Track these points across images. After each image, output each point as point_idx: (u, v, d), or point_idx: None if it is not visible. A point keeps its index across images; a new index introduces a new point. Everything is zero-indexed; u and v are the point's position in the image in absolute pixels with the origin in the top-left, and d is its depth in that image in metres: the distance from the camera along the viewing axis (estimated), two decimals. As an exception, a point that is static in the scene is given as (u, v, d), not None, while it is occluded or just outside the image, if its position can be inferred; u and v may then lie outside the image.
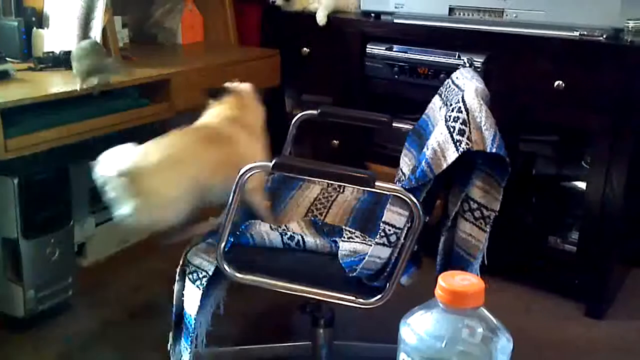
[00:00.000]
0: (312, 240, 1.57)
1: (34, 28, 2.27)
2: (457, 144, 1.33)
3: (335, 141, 2.77)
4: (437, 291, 0.86)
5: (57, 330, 2.13)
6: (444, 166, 1.35)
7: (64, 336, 2.09)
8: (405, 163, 1.79)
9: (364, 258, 1.46)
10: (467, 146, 1.32)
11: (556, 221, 2.51)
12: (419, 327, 0.87)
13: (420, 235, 1.42)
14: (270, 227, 1.63)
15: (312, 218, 1.73)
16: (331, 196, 1.91)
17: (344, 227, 1.63)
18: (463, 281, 0.87)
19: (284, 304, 2.19)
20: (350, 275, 1.49)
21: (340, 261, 1.51)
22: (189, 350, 1.63)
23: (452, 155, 1.34)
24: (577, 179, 2.47)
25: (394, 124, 1.97)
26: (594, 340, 2.21)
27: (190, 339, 1.62)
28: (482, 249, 1.45)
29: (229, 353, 2.02)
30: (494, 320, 0.87)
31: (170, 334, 1.72)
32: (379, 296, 1.48)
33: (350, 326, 1.97)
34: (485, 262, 1.46)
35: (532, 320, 2.29)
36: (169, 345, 1.72)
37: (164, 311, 1.78)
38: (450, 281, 0.86)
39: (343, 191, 1.94)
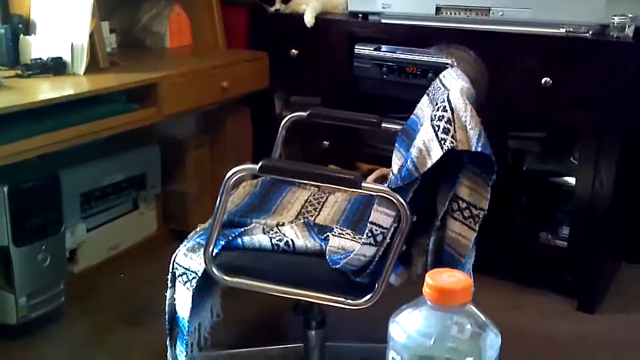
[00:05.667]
0: (302, 242, 1.57)
1: (21, 35, 2.26)
2: (442, 142, 1.33)
3: (325, 142, 2.77)
4: (425, 289, 0.87)
5: (49, 337, 2.12)
6: (429, 165, 1.35)
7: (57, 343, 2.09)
8: (395, 163, 1.79)
9: (349, 255, 1.47)
10: (452, 144, 1.32)
11: (546, 217, 2.53)
12: (407, 325, 0.87)
13: (408, 235, 1.42)
14: (263, 230, 1.63)
15: (304, 220, 1.73)
16: (322, 198, 1.91)
17: (335, 226, 1.64)
18: (450, 278, 0.87)
19: (275, 307, 2.19)
20: (334, 267, 1.50)
21: (327, 257, 1.52)
22: (184, 353, 1.63)
23: (436, 153, 1.34)
24: (566, 175, 2.48)
25: (383, 125, 1.97)
26: (586, 335, 2.22)
27: (185, 342, 1.62)
28: (472, 248, 1.45)
29: (220, 356, 2.01)
30: (482, 317, 0.87)
31: (168, 341, 1.72)
32: (369, 296, 1.48)
33: (342, 327, 1.97)
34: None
35: (524, 316, 2.30)
36: (167, 353, 1.72)
37: (157, 316, 1.77)
38: (437, 278, 0.86)
39: (334, 192, 1.95)
